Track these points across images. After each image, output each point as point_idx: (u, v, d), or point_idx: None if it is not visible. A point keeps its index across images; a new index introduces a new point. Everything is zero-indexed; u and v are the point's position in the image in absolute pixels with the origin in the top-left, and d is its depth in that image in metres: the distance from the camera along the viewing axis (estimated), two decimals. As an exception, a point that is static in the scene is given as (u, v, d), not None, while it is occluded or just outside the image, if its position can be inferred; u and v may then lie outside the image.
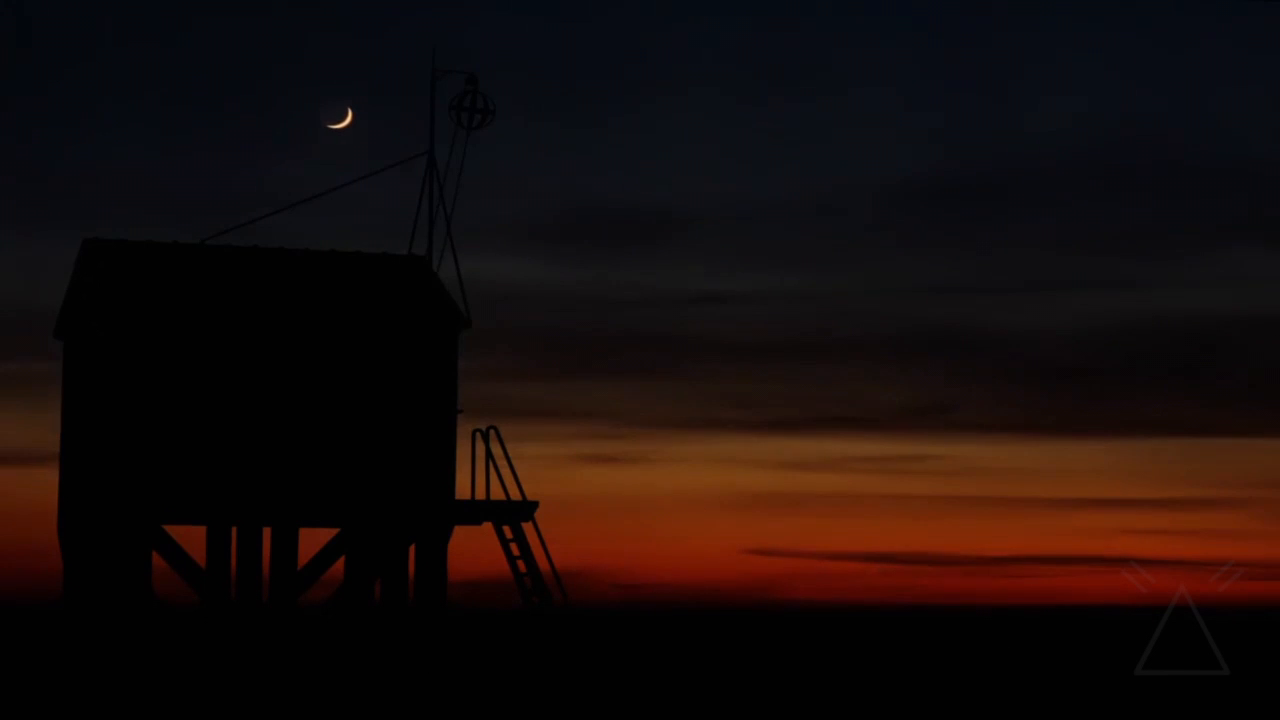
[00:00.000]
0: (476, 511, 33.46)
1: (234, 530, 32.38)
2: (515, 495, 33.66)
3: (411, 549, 32.77)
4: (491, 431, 33.64)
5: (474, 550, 33.87)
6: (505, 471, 33.66)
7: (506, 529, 33.66)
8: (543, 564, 33.63)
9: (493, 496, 33.61)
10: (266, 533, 32.26)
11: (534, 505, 33.73)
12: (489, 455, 33.60)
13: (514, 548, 33.70)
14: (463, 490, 33.27)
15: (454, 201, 35.37)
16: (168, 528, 32.00)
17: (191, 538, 32.64)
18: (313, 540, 33.08)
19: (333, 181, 35.86)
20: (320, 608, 33.28)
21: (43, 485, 34.99)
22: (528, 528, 33.73)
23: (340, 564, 33.28)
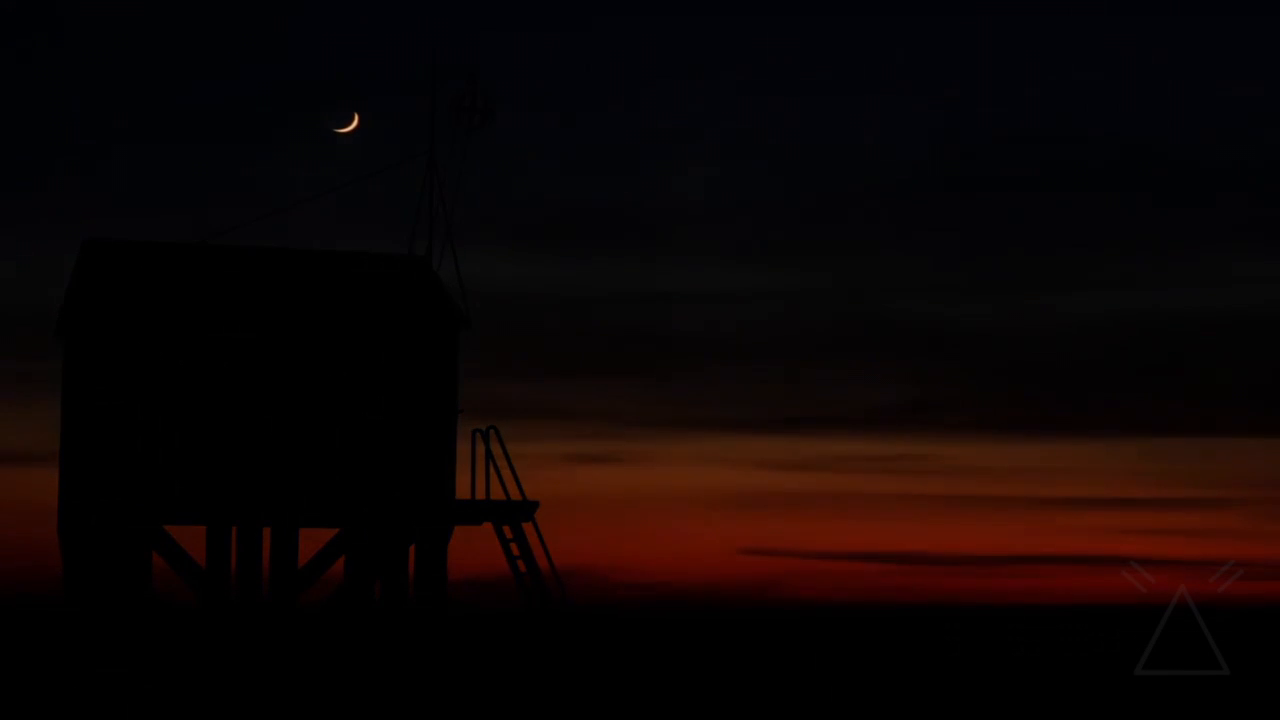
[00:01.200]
0: (476, 511, 33.46)
1: (234, 530, 32.40)
2: (515, 495, 33.67)
3: (411, 549, 32.78)
4: (491, 431, 33.66)
5: (474, 550, 33.89)
6: (505, 471, 33.70)
7: (506, 529, 33.67)
8: (543, 564, 33.64)
9: (493, 496, 33.61)
10: (266, 533, 32.27)
11: (534, 505, 33.73)
12: (489, 455, 33.63)
13: (514, 548, 33.70)
14: (463, 490, 33.29)
15: (454, 201, 35.43)
16: (168, 528, 32.02)
17: (191, 538, 32.67)
18: (313, 540, 33.11)
19: (333, 181, 35.92)
20: (320, 608, 33.28)
21: (43, 485, 34.96)
22: (528, 528, 33.74)
23: (340, 564, 33.29)
